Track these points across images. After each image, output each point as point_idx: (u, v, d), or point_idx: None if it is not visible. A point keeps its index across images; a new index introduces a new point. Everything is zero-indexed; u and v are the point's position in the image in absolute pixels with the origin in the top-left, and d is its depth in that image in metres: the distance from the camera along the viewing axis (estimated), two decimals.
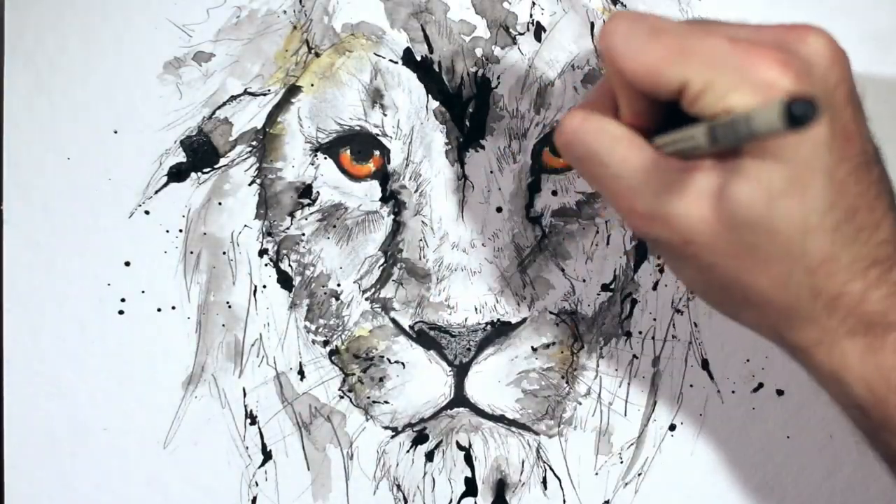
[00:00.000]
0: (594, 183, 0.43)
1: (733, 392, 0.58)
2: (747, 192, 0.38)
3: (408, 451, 0.58)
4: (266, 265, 0.57)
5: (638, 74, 0.39)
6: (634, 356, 0.58)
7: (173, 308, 0.57)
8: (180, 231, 0.57)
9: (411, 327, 0.55)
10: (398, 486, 0.58)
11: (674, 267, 0.45)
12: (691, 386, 0.58)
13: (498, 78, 0.56)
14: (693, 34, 0.39)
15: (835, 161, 0.39)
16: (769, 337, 0.44)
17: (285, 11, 0.56)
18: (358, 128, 0.56)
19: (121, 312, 0.56)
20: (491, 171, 0.56)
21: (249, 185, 0.57)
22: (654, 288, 0.58)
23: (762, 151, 0.38)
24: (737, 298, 0.42)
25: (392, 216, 0.56)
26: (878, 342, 0.41)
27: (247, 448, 0.57)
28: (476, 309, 0.55)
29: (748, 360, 0.58)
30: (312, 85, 0.56)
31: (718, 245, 0.40)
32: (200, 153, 0.56)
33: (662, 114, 0.42)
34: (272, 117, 0.57)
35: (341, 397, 0.57)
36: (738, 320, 0.45)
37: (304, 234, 0.57)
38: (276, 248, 0.57)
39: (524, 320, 0.56)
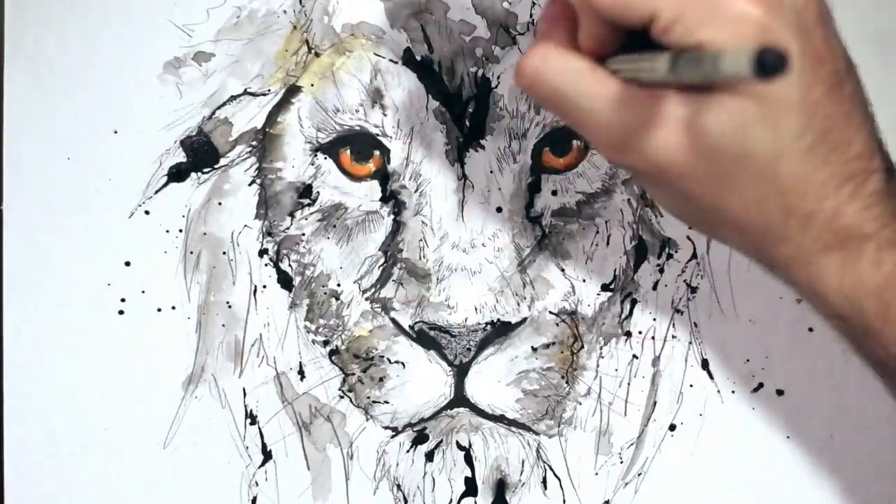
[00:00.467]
0: (565, 119, 0.43)
1: (733, 392, 0.58)
2: (719, 122, 0.39)
3: (408, 451, 0.58)
4: (266, 265, 0.57)
5: (606, 3, 0.39)
6: (634, 356, 0.58)
7: (173, 308, 0.57)
8: (180, 231, 0.57)
9: (411, 327, 0.55)
10: (398, 486, 0.58)
11: (652, 193, 0.46)
12: (691, 386, 0.58)
13: (498, 78, 0.56)
14: None
15: (806, 86, 0.39)
16: (748, 254, 0.45)
17: (285, 11, 0.56)
18: (358, 128, 0.56)
19: (121, 312, 0.56)
20: (491, 171, 0.56)
21: (249, 185, 0.57)
22: (654, 288, 0.58)
23: (732, 84, 0.38)
24: (713, 221, 0.43)
25: (392, 216, 0.56)
26: (853, 254, 0.41)
27: (247, 448, 0.57)
28: (476, 309, 0.55)
29: (748, 360, 0.58)
30: (312, 85, 0.56)
31: (691, 173, 0.40)
32: (200, 153, 0.56)
33: (624, 39, 0.42)
34: (272, 117, 0.57)
35: (341, 397, 0.57)
36: (717, 239, 0.46)
37: (304, 234, 0.57)
38: (276, 248, 0.57)
39: (524, 320, 0.56)
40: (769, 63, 0.33)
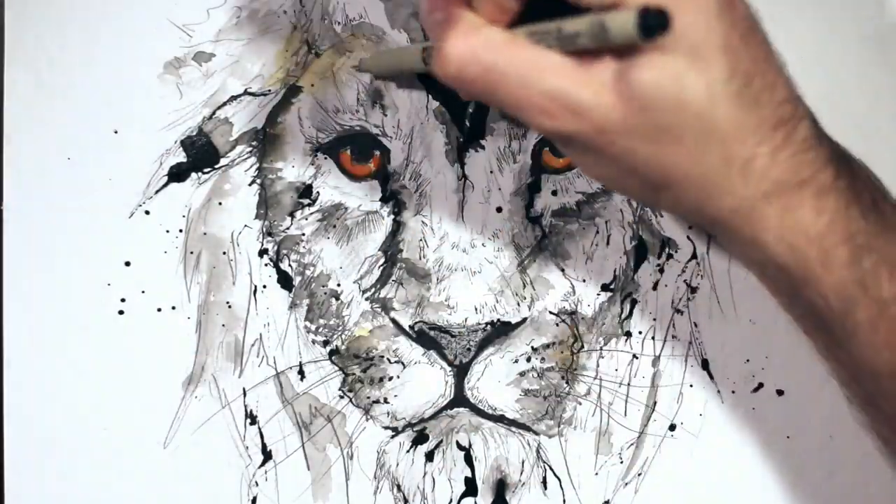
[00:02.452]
0: (492, 98, 0.43)
1: (733, 392, 0.58)
2: (653, 77, 0.39)
3: (408, 451, 0.58)
4: (266, 265, 0.57)
5: None
6: (634, 356, 0.58)
7: (173, 308, 0.57)
8: (180, 231, 0.57)
9: (411, 327, 0.55)
10: (398, 486, 0.58)
11: (587, 162, 0.45)
12: (691, 386, 0.58)
13: None
14: None
15: (726, 29, 0.40)
16: (689, 216, 0.45)
17: (285, 11, 0.56)
18: (358, 128, 0.56)
19: (121, 312, 0.56)
20: (491, 171, 0.56)
21: (249, 185, 0.57)
22: (654, 288, 0.58)
23: (658, 42, 0.39)
24: (654, 180, 0.43)
25: (392, 216, 0.56)
26: (793, 202, 0.42)
27: (247, 448, 0.57)
28: (476, 309, 0.55)
29: (748, 360, 0.58)
30: (313, 85, 0.56)
31: (631, 129, 0.41)
32: (201, 153, 0.56)
33: (523, 5, 0.42)
34: (272, 117, 0.57)
35: (341, 397, 0.57)
36: (657, 205, 0.46)
37: (304, 234, 0.57)
38: (276, 248, 0.57)
39: (524, 320, 0.56)
40: (653, 24, 0.36)
